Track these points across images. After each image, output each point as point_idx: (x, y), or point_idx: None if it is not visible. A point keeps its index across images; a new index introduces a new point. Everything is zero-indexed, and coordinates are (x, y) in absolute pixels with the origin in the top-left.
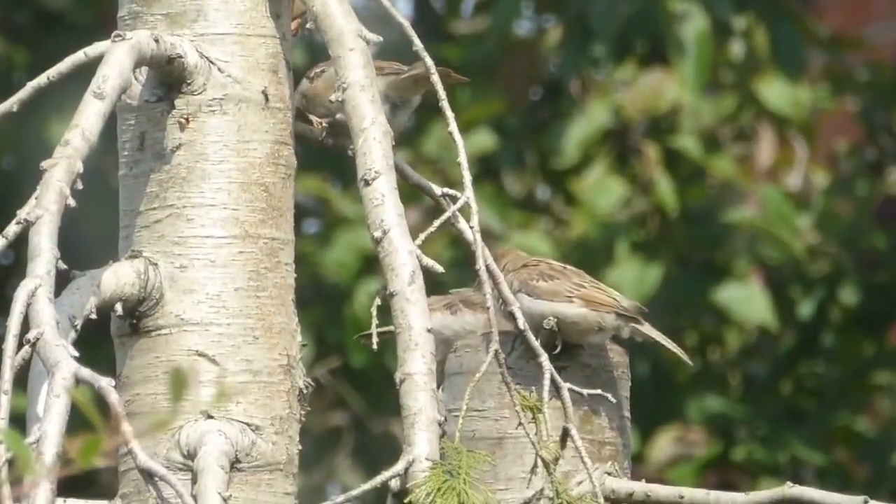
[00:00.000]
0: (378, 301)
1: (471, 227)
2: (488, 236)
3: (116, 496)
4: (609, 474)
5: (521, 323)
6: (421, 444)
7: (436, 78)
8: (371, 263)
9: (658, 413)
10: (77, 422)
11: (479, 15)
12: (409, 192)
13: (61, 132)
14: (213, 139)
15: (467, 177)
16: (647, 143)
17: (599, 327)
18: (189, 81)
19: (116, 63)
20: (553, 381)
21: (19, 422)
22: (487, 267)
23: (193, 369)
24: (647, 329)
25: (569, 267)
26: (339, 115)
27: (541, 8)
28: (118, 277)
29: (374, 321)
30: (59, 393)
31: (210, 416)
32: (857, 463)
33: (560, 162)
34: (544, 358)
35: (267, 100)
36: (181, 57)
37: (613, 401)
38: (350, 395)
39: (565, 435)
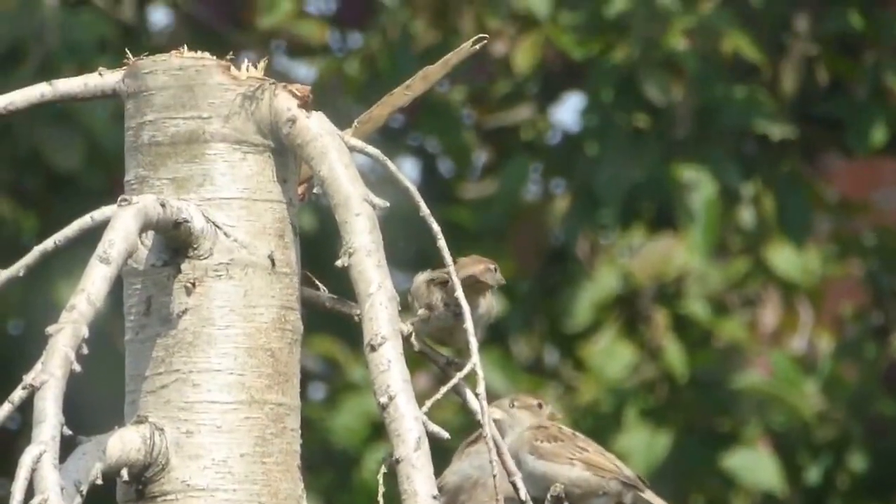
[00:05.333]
0: (384, 468)
1: (476, 395)
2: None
3: None
4: None
5: (523, 494)
6: None
7: (455, 280)
8: (379, 429)
9: None
10: None
11: (486, 178)
12: (416, 358)
13: (68, 296)
14: (220, 304)
15: (474, 343)
16: (655, 309)
17: (603, 492)
18: (195, 246)
19: (122, 227)
20: None
21: None
22: (493, 437)
23: None
24: (650, 496)
25: (579, 434)
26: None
27: (548, 173)
28: (124, 443)
29: (381, 488)
30: None
31: None
32: None
33: (570, 326)
34: None
35: (273, 264)
36: (187, 221)
37: None
38: None
39: None
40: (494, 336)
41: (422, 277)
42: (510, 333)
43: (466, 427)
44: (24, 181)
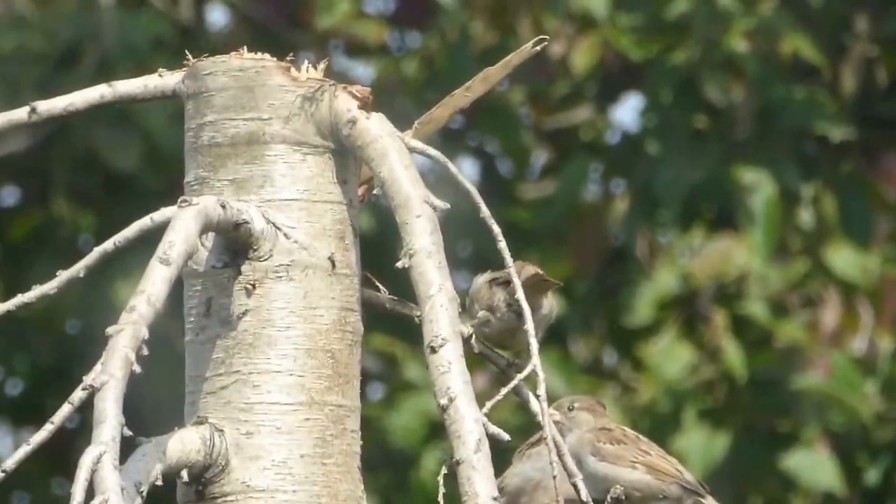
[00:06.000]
0: (445, 470)
1: (537, 396)
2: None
3: None
4: None
5: (584, 495)
6: None
7: (516, 281)
8: (437, 429)
9: None
10: None
11: (545, 179)
12: (476, 359)
13: (127, 296)
14: (280, 305)
15: (534, 345)
16: (715, 310)
17: (663, 496)
18: (255, 247)
19: (183, 229)
20: None
21: None
22: (553, 439)
23: None
24: (710, 502)
25: (642, 437)
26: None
27: (607, 173)
28: (184, 444)
29: (441, 490)
30: None
31: None
32: None
33: (629, 326)
34: None
35: (334, 266)
36: (247, 223)
37: None
38: None
39: None
40: (553, 337)
41: (482, 279)
42: (569, 334)
43: (525, 428)
44: (82, 181)
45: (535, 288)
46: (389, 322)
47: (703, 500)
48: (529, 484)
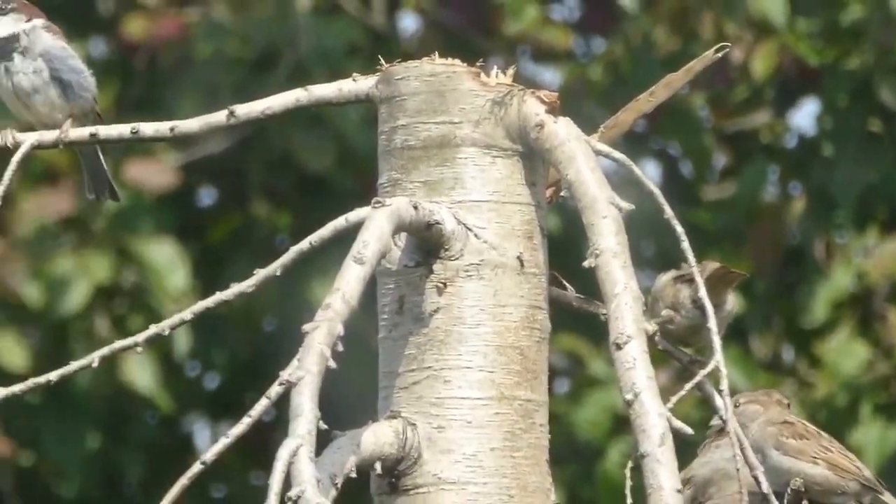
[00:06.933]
0: (631, 463)
1: (720, 392)
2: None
3: None
4: None
5: (766, 487)
6: None
7: (699, 280)
8: (622, 423)
9: None
10: None
11: (725, 180)
12: (658, 355)
13: (322, 294)
14: (470, 303)
15: (717, 342)
16: (889, 308)
17: (841, 491)
18: (447, 247)
19: (377, 229)
20: None
21: None
22: (736, 432)
23: None
24: (888, 498)
25: (823, 433)
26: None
27: (785, 175)
28: (377, 437)
29: (628, 482)
30: None
31: None
32: None
33: (806, 323)
34: None
35: (522, 265)
36: (439, 223)
37: None
38: None
39: None
40: (734, 334)
41: (666, 277)
42: (749, 331)
43: (705, 422)
44: (278, 182)
45: (722, 280)
46: (573, 320)
47: (881, 496)
48: (718, 473)
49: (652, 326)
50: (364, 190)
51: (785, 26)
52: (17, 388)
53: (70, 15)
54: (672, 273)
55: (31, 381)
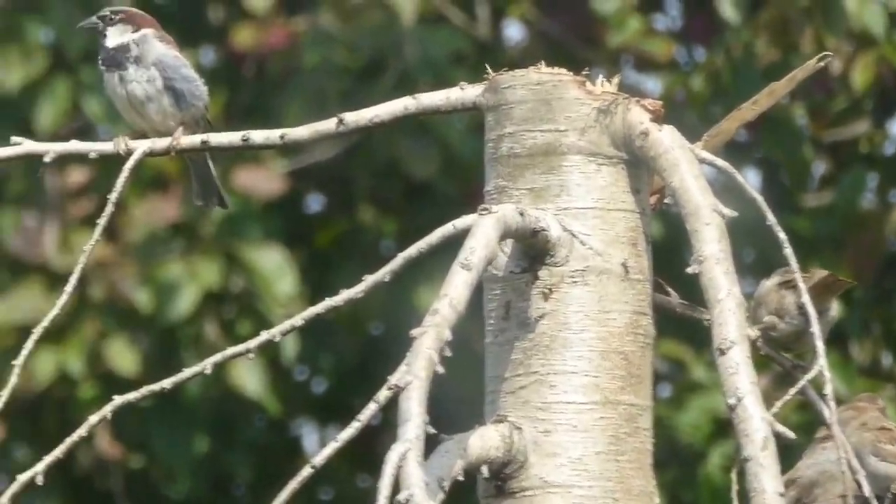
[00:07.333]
0: (735, 467)
1: (823, 396)
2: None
3: None
4: None
5: (867, 491)
6: None
7: (801, 286)
8: (723, 427)
9: None
10: None
11: (825, 189)
12: (759, 360)
13: (428, 299)
14: (575, 309)
15: (820, 347)
16: None
17: None
18: (552, 253)
19: (483, 235)
20: None
21: None
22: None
23: None
24: None
25: None
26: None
27: (884, 184)
28: (484, 441)
29: (735, 486)
30: None
31: None
32: None
33: None
34: None
35: (626, 271)
36: (545, 230)
37: None
38: None
39: None
40: (834, 340)
41: (770, 283)
42: (848, 337)
43: (805, 426)
44: (384, 189)
45: (829, 288)
46: (676, 326)
47: None
48: (824, 475)
49: (754, 332)
50: (466, 197)
51: (884, 38)
52: (131, 395)
53: (180, 24)
54: (776, 279)
55: (146, 389)
